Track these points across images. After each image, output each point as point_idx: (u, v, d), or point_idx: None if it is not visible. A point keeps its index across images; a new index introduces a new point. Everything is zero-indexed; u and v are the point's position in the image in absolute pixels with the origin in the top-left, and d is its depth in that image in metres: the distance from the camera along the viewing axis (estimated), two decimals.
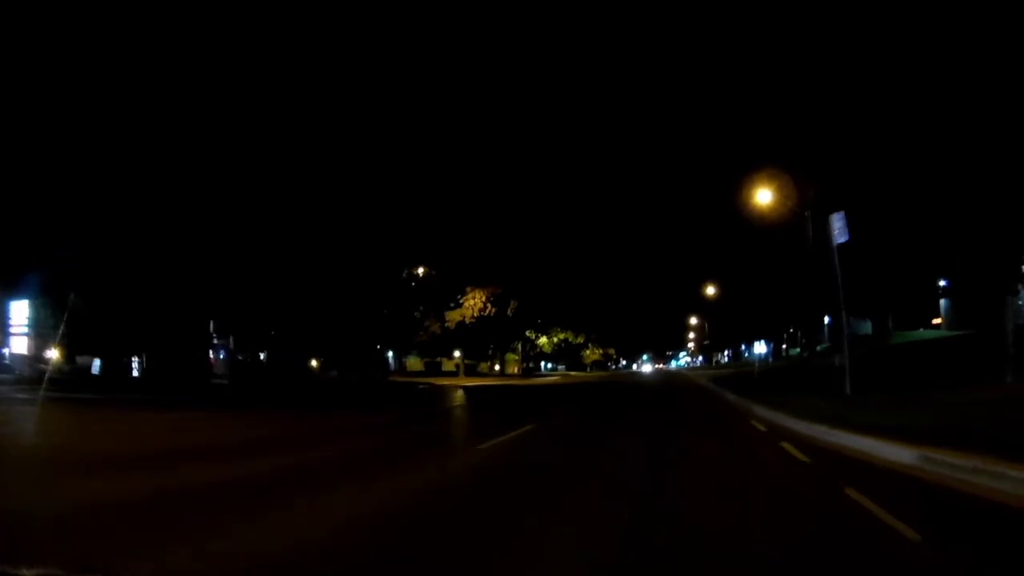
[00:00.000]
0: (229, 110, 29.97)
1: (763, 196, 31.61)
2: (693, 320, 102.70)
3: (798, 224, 35.02)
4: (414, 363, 72.41)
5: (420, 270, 42.40)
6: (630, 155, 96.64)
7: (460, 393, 28.52)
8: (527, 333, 71.47)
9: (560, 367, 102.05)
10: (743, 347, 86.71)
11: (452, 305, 48.56)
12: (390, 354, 69.35)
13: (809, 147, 34.86)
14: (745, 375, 29.59)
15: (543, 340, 77.92)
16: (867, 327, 51.74)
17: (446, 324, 48.55)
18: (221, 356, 34.64)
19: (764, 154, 34.09)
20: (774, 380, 24.79)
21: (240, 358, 36.68)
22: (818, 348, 49.77)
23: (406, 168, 39.32)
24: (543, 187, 64.94)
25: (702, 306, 76.79)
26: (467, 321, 48.64)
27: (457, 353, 62.16)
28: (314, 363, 54.93)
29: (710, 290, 64.54)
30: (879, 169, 33.92)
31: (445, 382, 42.72)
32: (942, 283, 45.18)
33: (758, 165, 33.43)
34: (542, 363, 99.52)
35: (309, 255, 33.44)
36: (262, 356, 39.68)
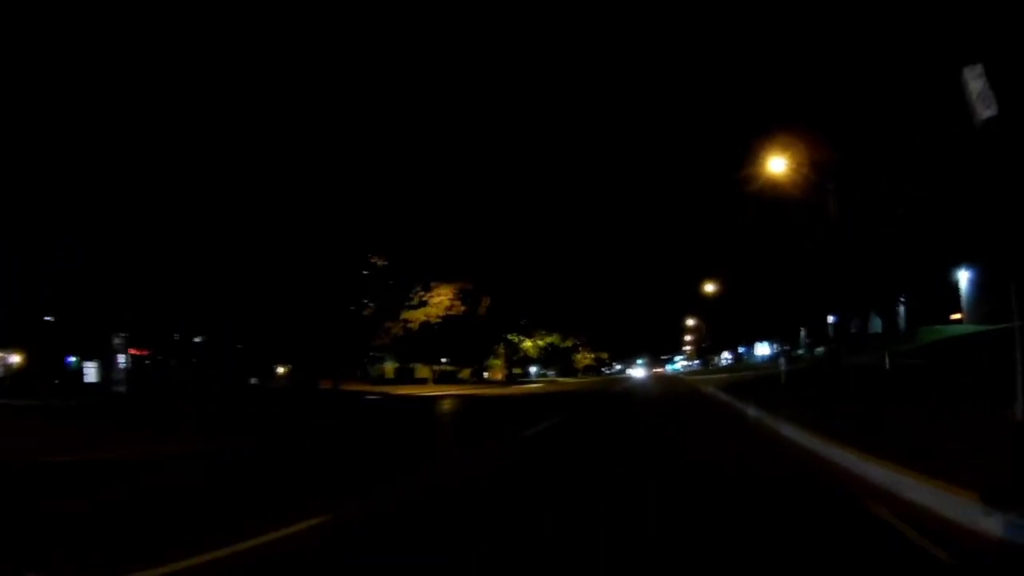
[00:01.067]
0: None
1: (775, 165, 25.94)
2: (690, 321, 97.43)
3: (814, 203, 29.48)
4: (390, 369, 66.63)
5: (375, 261, 36.53)
6: (619, 136, 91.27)
7: (395, 408, 22.81)
8: (509, 336, 65.45)
9: (550, 372, 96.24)
10: (742, 349, 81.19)
11: (416, 303, 42.59)
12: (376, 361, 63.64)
13: (823, 112, 29.48)
14: (763, 381, 22.75)
15: (527, 344, 71.82)
16: (877, 324, 46.60)
17: (409, 325, 42.59)
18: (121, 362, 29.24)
19: (773, 120, 28.63)
20: (810, 388, 16.72)
21: (147, 363, 31.14)
22: (818, 349, 44.28)
23: (354, 139, 33.64)
24: (518, 170, 59.11)
25: (700, 305, 71.39)
26: (432, 321, 42.68)
27: (444, 359, 56.58)
28: (281, 370, 49.32)
29: (709, 287, 59.08)
30: (902, 136, 28.52)
31: (408, 391, 37.00)
32: (964, 272, 40.01)
33: (766, 134, 27.82)
34: (531, 368, 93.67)
35: (231, 237, 27.74)
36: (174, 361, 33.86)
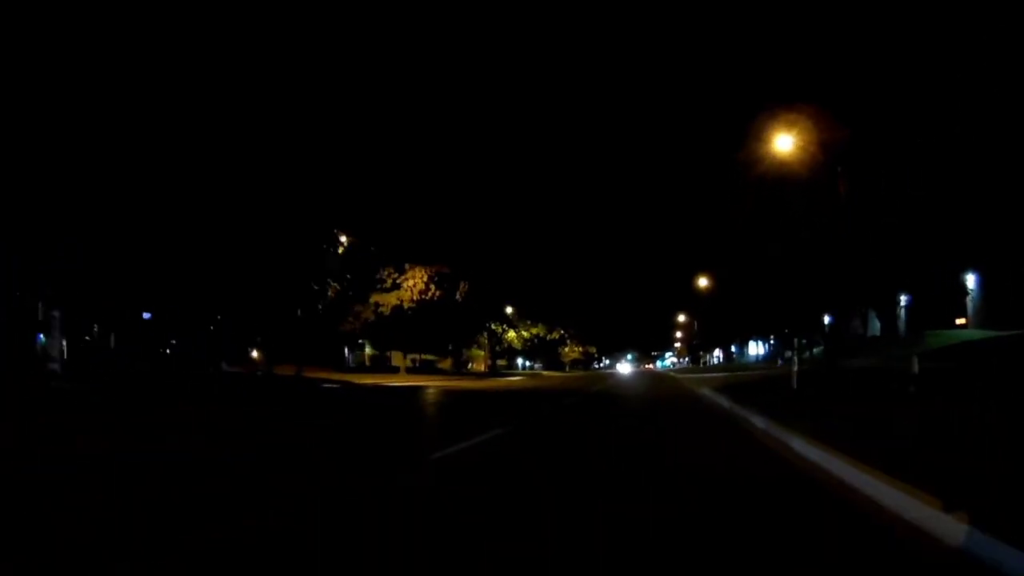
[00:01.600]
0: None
1: (781, 143, 23.32)
2: (681, 318, 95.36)
3: (818, 189, 26.80)
4: (369, 357, 63.94)
5: (341, 237, 33.64)
6: (613, 120, 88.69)
7: (323, 404, 20.02)
8: (492, 326, 62.68)
9: (536, 365, 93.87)
10: (734, 348, 78.91)
11: (389, 285, 39.72)
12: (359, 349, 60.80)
13: (833, 91, 27.03)
14: (765, 383, 19.41)
15: (511, 335, 69.08)
16: (876, 327, 44.41)
17: (380, 309, 39.71)
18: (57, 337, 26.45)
19: (776, 99, 26.04)
20: (830, 397, 12.45)
21: (88, 339, 28.30)
22: (816, 349, 41.92)
23: (320, 105, 30.73)
24: (501, 149, 56.36)
25: (692, 302, 69.15)
26: (406, 305, 39.82)
27: (423, 347, 53.74)
28: (255, 354, 46.42)
29: (702, 282, 56.64)
30: (916, 121, 26.04)
31: (374, 381, 34.18)
32: (971, 275, 37.80)
33: (766, 114, 25.23)
34: (519, 360, 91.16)
35: (178, 202, 24.93)
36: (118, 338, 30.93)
